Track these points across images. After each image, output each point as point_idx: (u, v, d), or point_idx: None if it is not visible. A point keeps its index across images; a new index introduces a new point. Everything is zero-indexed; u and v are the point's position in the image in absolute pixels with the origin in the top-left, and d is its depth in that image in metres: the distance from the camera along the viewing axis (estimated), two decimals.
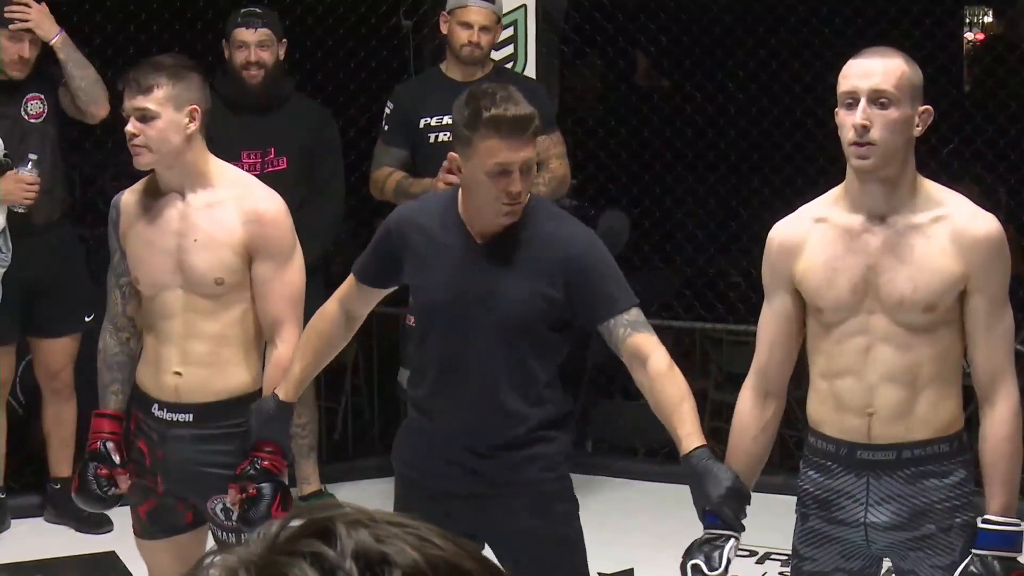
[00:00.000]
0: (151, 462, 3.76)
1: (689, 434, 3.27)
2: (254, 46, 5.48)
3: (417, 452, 3.53)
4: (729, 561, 3.29)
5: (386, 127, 5.52)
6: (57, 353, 5.56)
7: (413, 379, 3.58)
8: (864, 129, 3.15)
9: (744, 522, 3.32)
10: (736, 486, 3.26)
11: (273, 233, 3.69)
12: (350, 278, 3.58)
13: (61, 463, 5.67)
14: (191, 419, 3.71)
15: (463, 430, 3.41)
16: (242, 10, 5.56)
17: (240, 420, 3.71)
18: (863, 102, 3.16)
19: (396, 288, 3.63)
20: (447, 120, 5.37)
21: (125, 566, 5.22)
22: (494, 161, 3.26)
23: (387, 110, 5.54)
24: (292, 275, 3.71)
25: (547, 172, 5.38)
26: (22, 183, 5.22)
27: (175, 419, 3.71)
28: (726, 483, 3.25)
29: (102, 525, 5.56)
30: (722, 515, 3.28)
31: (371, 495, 6.08)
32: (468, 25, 5.36)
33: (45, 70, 5.43)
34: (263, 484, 3.58)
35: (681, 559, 3.35)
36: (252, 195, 3.72)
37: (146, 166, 3.70)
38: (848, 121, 3.17)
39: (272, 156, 5.55)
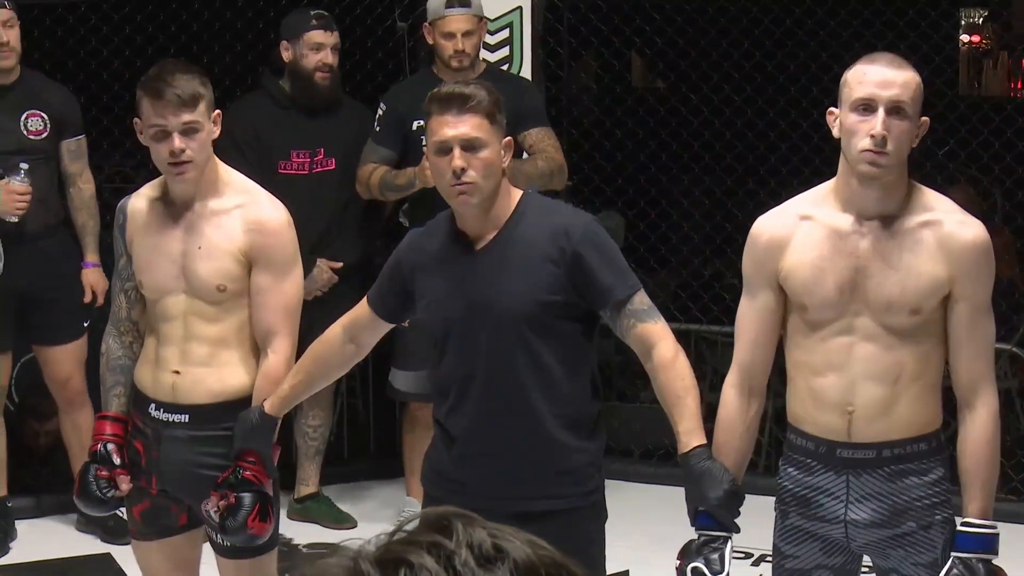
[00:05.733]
0: (146, 462, 3.76)
1: (688, 431, 3.25)
2: (330, 49, 5.55)
3: (441, 469, 3.47)
4: (729, 563, 3.29)
5: (377, 127, 5.55)
6: (63, 361, 5.51)
7: (436, 402, 3.53)
8: (884, 139, 3.17)
9: (739, 523, 3.33)
10: (733, 488, 3.26)
11: (274, 243, 3.69)
12: (362, 306, 3.55)
13: None
14: (187, 420, 3.71)
15: (487, 441, 3.35)
16: (313, 12, 5.62)
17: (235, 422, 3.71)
18: (882, 111, 3.18)
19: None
20: None
21: (120, 568, 5.22)
22: (434, 138, 3.32)
23: (379, 111, 5.56)
24: (289, 286, 3.70)
25: (546, 155, 5.39)
26: (13, 194, 5.20)
27: (171, 419, 3.71)
28: (724, 485, 3.24)
29: (127, 534, 5.55)
30: (719, 517, 3.28)
31: (366, 498, 6.07)
32: (451, 35, 5.40)
33: (46, 93, 5.43)
34: (243, 494, 3.58)
35: (678, 562, 3.34)
36: (256, 204, 3.72)
37: (190, 181, 3.65)
38: (862, 128, 3.18)
39: (321, 156, 5.62)
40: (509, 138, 3.38)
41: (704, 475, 3.24)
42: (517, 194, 3.41)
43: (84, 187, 5.47)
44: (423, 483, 3.57)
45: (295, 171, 5.58)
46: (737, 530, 3.32)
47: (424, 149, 5.39)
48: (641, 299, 3.33)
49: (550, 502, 3.33)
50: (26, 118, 5.39)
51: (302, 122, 5.59)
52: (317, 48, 5.53)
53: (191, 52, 6.34)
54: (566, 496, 3.36)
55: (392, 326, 3.61)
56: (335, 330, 3.60)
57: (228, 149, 5.53)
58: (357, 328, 3.57)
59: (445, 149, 3.29)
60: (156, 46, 6.22)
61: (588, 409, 3.41)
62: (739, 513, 3.30)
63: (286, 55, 5.58)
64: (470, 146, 3.28)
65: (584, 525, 3.40)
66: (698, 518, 3.32)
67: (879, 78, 3.20)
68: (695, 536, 3.33)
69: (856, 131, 3.19)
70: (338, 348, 3.59)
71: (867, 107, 3.19)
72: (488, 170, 3.30)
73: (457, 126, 3.28)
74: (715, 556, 3.29)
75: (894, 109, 3.18)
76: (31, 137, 5.39)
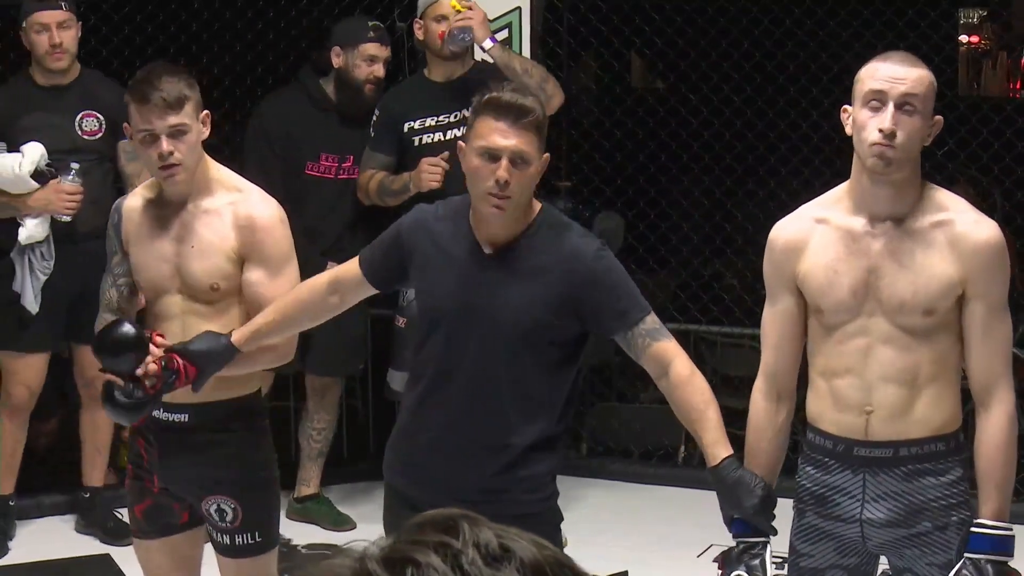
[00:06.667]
0: (148, 461, 3.76)
1: (714, 443, 3.26)
2: (382, 62, 5.61)
3: (402, 459, 3.49)
4: (771, 566, 3.30)
5: (372, 133, 5.57)
6: (92, 361, 5.49)
7: (408, 384, 3.55)
8: (892, 134, 3.18)
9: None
10: (768, 493, 3.27)
11: (266, 239, 3.68)
12: (354, 264, 3.53)
13: (94, 471, 5.64)
14: (187, 419, 3.71)
15: (450, 438, 3.37)
16: (370, 23, 5.67)
17: (237, 421, 3.72)
18: (891, 106, 3.19)
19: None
20: (430, 122, 5.42)
21: (120, 569, 5.22)
22: (482, 143, 3.25)
23: (374, 116, 5.57)
24: (285, 281, 3.69)
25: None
26: (62, 193, 5.21)
27: (172, 419, 3.71)
28: (759, 492, 3.25)
29: (127, 536, 5.56)
30: (758, 524, 3.29)
31: (366, 499, 6.07)
32: (444, 17, 5.41)
33: (103, 93, 5.44)
34: (148, 399, 3.50)
35: (719, 571, 3.35)
36: (247, 201, 3.71)
37: (181, 183, 3.65)
38: (872, 122, 3.20)
39: (349, 164, 5.65)
40: (547, 155, 3.36)
41: (737, 484, 3.25)
42: (536, 207, 3.39)
43: None
44: (384, 471, 3.56)
45: (321, 174, 5.62)
46: (775, 533, 3.33)
47: (416, 148, 5.43)
48: (653, 319, 3.35)
49: (504, 506, 3.32)
50: (81, 118, 5.42)
51: (336, 126, 5.63)
52: (371, 60, 5.58)
53: (190, 52, 6.35)
54: (520, 502, 3.37)
55: (378, 292, 3.59)
56: (321, 279, 3.58)
57: (257, 139, 5.58)
58: (344, 285, 3.54)
59: (494, 156, 3.25)
60: (156, 46, 6.22)
61: (556, 427, 3.41)
62: (775, 516, 3.31)
63: (337, 61, 5.61)
64: (519, 160, 3.26)
65: (540, 529, 3.38)
66: (733, 525, 3.33)
67: (890, 74, 3.21)
68: (733, 544, 3.34)
69: (866, 125, 3.21)
70: (320, 297, 3.56)
71: (878, 101, 3.20)
72: (527, 185, 3.30)
73: (510, 137, 3.25)
74: (756, 562, 3.30)
75: (904, 104, 3.20)
76: (85, 137, 5.42)
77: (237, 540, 3.73)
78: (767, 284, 3.45)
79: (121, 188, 5.49)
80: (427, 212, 3.48)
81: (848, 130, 3.27)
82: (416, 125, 5.48)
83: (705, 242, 7.23)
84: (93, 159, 5.40)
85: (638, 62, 8.66)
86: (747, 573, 3.30)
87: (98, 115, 5.43)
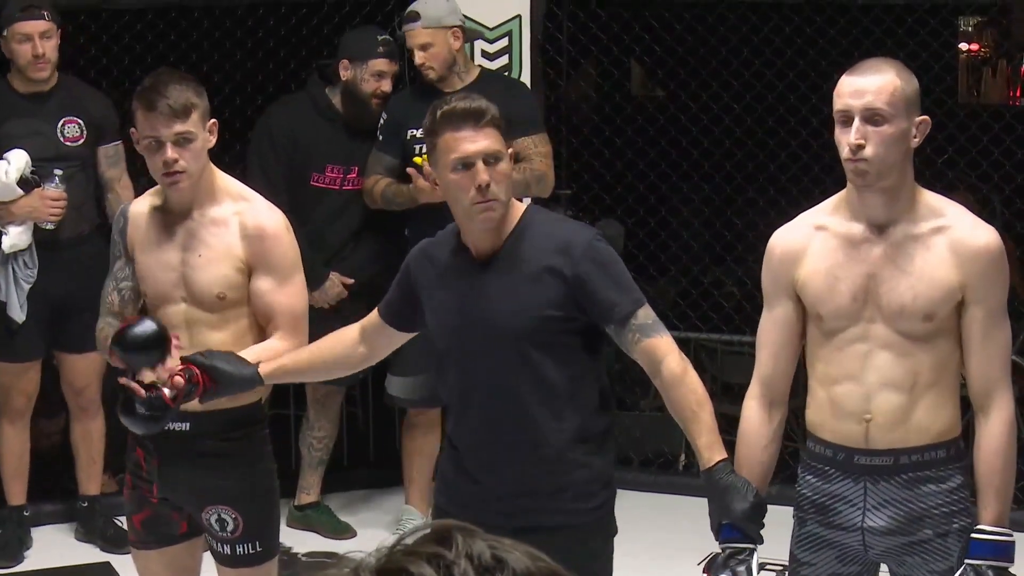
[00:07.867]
0: (147, 470, 3.76)
1: (708, 446, 3.24)
2: (390, 77, 5.62)
3: (448, 481, 3.47)
4: (757, 573, 3.30)
5: (380, 136, 5.59)
6: (82, 369, 5.50)
7: (447, 414, 3.55)
8: (859, 148, 3.18)
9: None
10: (759, 500, 3.26)
11: (274, 248, 3.68)
12: (374, 313, 3.54)
13: (89, 480, 5.64)
14: (188, 428, 3.71)
15: (488, 454, 3.35)
16: (380, 37, 5.65)
17: (237, 431, 3.72)
18: (857, 120, 3.20)
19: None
20: None
21: None
22: (453, 156, 3.23)
23: (382, 120, 5.58)
24: (294, 289, 3.70)
25: (526, 164, 5.37)
26: (47, 200, 5.22)
27: (172, 428, 3.69)
28: (750, 498, 3.24)
29: (127, 544, 5.56)
30: (747, 529, 3.28)
31: (366, 507, 6.07)
32: (411, 49, 5.45)
33: (84, 99, 5.46)
34: (167, 410, 3.46)
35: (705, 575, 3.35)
36: (254, 210, 3.72)
37: (185, 191, 3.65)
38: (843, 139, 3.22)
39: (354, 175, 5.65)
40: (512, 149, 3.35)
41: (728, 489, 3.23)
42: (520, 207, 3.39)
43: (123, 192, 5.46)
44: (435, 494, 3.57)
45: (326, 185, 5.63)
46: (761, 541, 3.33)
47: (430, 169, 5.38)
48: (646, 313, 3.30)
49: (551, 517, 3.30)
50: (63, 125, 5.42)
51: (342, 137, 5.63)
52: (379, 76, 5.59)
53: (190, 60, 6.35)
54: (567, 512, 3.34)
55: (404, 335, 3.57)
56: (354, 328, 3.59)
57: (261, 147, 5.58)
58: (368, 332, 3.55)
59: (468, 164, 3.23)
60: (155, 54, 6.23)
61: (594, 423, 3.37)
62: (763, 524, 3.31)
63: (345, 74, 5.60)
64: (492, 159, 3.24)
65: (588, 540, 3.37)
66: (722, 531, 3.32)
67: (852, 88, 3.23)
68: (720, 549, 3.33)
69: (840, 142, 3.24)
70: (351, 345, 3.57)
71: (845, 118, 3.22)
72: (506, 182, 3.28)
73: (477, 140, 3.23)
74: (742, 568, 3.29)
75: (869, 116, 3.20)
76: (67, 143, 5.42)
77: (237, 550, 3.73)
78: (765, 291, 3.45)
79: (100, 194, 5.51)
80: (427, 243, 3.48)
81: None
82: (418, 134, 5.48)
83: (705, 249, 7.23)
84: (75, 165, 5.40)
85: (638, 70, 8.67)
86: None
87: (79, 121, 5.43)
